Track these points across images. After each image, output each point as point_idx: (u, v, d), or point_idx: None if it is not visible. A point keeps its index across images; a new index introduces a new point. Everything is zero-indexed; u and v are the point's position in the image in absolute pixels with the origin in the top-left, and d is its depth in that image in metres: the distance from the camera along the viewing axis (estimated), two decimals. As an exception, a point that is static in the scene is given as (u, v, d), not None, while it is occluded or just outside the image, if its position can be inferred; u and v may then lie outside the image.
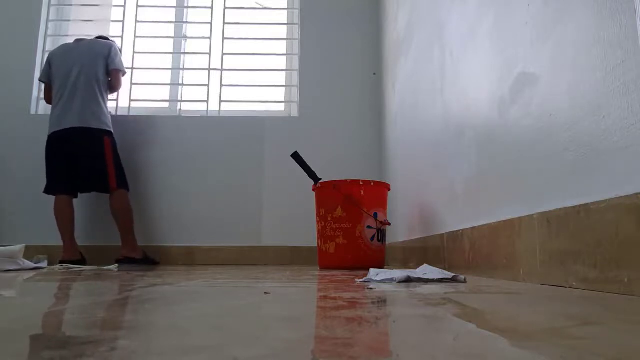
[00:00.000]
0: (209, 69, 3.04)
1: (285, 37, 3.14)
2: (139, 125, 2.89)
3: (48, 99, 2.58)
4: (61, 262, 2.20)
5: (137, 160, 2.82)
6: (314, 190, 2.02)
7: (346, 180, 1.93)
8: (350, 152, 2.91)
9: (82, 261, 2.33)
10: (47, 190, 2.43)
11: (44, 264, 1.93)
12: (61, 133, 2.40)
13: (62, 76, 2.47)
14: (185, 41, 3.15)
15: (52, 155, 2.43)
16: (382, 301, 0.63)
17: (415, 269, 1.20)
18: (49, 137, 2.45)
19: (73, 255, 2.33)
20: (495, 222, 1.14)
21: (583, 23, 0.80)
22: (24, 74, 2.93)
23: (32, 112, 2.91)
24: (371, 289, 0.82)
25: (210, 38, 3.08)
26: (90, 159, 2.40)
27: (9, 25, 2.98)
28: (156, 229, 2.80)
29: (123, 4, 3.11)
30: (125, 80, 2.72)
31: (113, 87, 2.61)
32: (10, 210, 2.78)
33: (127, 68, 2.75)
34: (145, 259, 2.48)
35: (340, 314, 0.49)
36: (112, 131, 2.51)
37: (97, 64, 2.50)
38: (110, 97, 2.68)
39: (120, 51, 2.71)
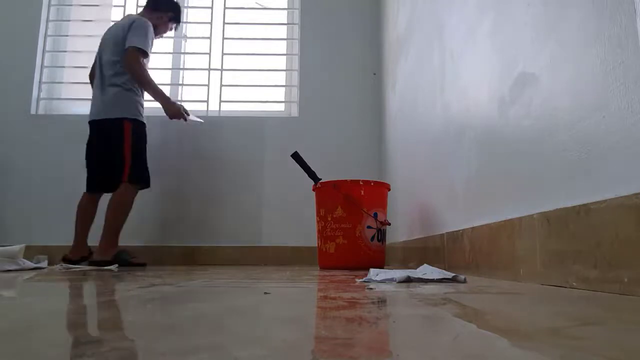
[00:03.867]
0: (209, 69, 3.04)
1: (285, 37, 3.14)
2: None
3: None
4: (64, 259, 2.17)
5: (137, 160, 2.81)
6: (314, 190, 2.01)
7: (346, 180, 1.93)
8: (350, 152, 2.91)
9: (85, 258, 2.26)
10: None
11: (44, 264, 1.93)
12: (90, 126, 2.32)
13: (96, 65, 2.37)
14: (185, 41, 3.15)
15: (86, 151, 2.34)
16: (382, 301, 0.63)
17: (415, 269, 1.20)
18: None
19: (77, 254, 2.27)
20: (495, 222, 1.14)
21: (583, 23, 0.80)
22: (24, 74, 2.93)
23: (32, 112, 2.92)
24: (371, 289, 0.82)
25: (210, 38, 3.08)
26: (105, 151, 2.24)
27: (9, 25, 2.98)
28: (156, 229, 2.80)
29: (123, 4, 3.11)
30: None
31: (125, 67, 2.25)
32: (10, 210, 2.79)
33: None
34: (116, 260, 2.11)
35: (340, 314, 0.49)
36: (138, 119, 2.28)
37: (119, 48, 2.30)
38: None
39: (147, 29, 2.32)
